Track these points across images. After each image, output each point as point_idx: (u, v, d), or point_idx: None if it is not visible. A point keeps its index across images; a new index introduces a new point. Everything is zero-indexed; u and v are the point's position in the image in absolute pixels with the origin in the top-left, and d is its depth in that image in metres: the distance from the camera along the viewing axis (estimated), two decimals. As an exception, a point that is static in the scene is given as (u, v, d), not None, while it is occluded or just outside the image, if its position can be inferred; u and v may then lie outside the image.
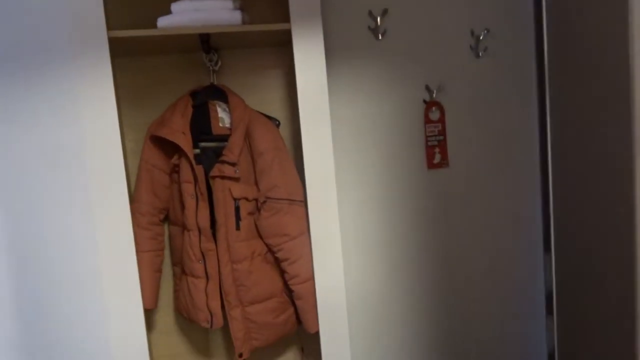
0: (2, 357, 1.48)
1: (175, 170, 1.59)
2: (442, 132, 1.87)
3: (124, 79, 1.66)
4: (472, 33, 1.86)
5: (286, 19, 1.50)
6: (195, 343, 1.79)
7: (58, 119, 1.44)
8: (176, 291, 1.68)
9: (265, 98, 1.74)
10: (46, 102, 1.42)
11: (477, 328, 1.96)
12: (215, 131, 1.59)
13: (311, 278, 1.55)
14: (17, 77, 1.47)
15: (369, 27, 1.80)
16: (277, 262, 1.60)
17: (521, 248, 1.96)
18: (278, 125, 1.66)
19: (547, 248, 1.95)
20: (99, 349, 1.62)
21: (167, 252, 1.72)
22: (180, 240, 1.60)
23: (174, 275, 1.70)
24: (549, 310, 1.96)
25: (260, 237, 1.58)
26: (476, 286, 1.95)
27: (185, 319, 1.67)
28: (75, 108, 1.44)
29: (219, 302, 1.55)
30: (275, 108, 1.75)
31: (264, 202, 1.55)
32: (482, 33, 1.86)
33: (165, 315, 1.77)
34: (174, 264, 1.69)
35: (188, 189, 1.54)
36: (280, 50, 1.72)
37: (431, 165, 1.87)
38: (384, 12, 1.79)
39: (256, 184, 1.57)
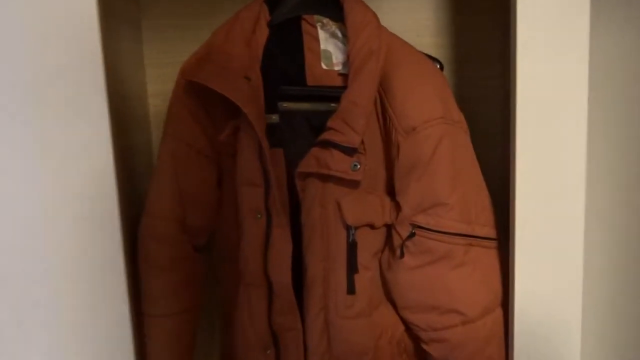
0: None
1: (228, 153, 0.79)
2: None
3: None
4: None
5: None
6: None
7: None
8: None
9: (413, 19, 0.89)
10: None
11: None
12: (312, 78, 0.77)
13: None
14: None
15: None
16: (426, 361, 0.77)
17: None
18: (441, 69, 0.80)
19: None
20: None
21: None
22: (234, 297, 0.80)
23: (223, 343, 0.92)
24: None
25: (394, 305, 0.76)
26: None
27: None
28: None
29: None
30: (429, 40, 0.90)
31: (411, 235, 0.71)
32: None
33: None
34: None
35: (250, 196, 0.74)
36: None
37: None
38: None
39: (392, 192, 0.74)
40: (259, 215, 0.73)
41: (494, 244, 0.71)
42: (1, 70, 0.62)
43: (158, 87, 0.91)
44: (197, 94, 0.76)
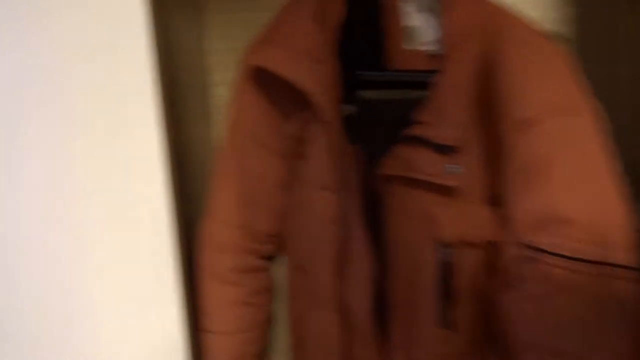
0: None
1: (298, 150, 0.68)
2: None
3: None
4: None
5: None
6: None
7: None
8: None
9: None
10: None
11: None
12: (395, 60, 0.64)
13: None
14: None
15: None
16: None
17: None
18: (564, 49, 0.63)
19: None
20: None
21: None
22: (305, 317, 0.70)
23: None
24: None
25: (504, 345, 0.61)
26: None
27: None
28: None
29: None
30: (544, 14, 0.73)
31: (525, 259, 0.56)
32: None
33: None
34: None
35: (322, 202, 0.62)
36: None
37: None
38: None
39: (497, 202, 0.60)
40: (333, 226, 0.61)
41: (633, 274, 0.54)
42: (40, 58, 0.54)
43: (223, 75, 0.82)
44: (262, 81, 0.65)
